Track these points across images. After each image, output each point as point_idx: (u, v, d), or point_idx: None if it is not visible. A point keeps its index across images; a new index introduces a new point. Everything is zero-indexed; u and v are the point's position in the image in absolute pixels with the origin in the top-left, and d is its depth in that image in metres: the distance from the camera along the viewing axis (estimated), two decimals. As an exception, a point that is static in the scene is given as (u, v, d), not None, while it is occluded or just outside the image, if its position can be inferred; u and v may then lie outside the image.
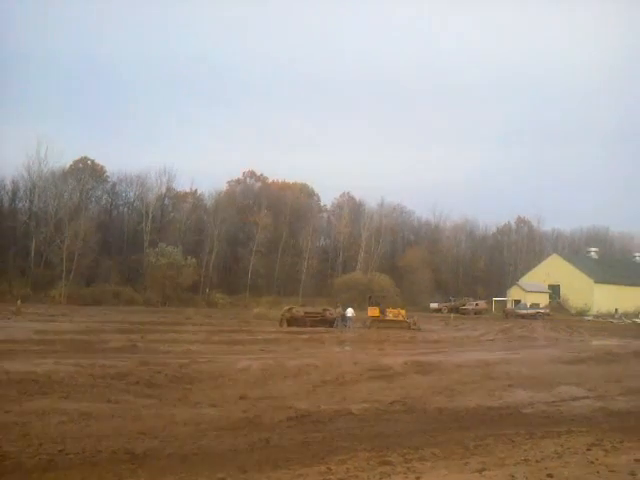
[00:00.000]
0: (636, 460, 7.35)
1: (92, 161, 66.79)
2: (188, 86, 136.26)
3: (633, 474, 6.66)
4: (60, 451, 7.47)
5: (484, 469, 6.96)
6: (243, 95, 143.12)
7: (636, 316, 59.19)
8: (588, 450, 8.08)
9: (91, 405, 10.26)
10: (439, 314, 56.97)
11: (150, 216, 65.15)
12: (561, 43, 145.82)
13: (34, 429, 8.40)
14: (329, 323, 35.33)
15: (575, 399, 13.39)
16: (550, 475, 6.60)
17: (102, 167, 67.88)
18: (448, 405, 12.14)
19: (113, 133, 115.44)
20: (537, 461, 7.42)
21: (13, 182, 61.34)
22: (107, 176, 68.70)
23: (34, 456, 7.19)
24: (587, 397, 13.70)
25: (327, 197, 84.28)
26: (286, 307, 38.28)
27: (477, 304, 61.63)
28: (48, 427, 8.61)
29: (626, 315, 60.60)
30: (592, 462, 7.30)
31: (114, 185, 69.45)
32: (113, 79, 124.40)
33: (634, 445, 8.46)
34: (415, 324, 35.99)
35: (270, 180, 78.51)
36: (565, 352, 22.92)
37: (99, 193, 69.73)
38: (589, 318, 60.45)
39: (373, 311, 37.79)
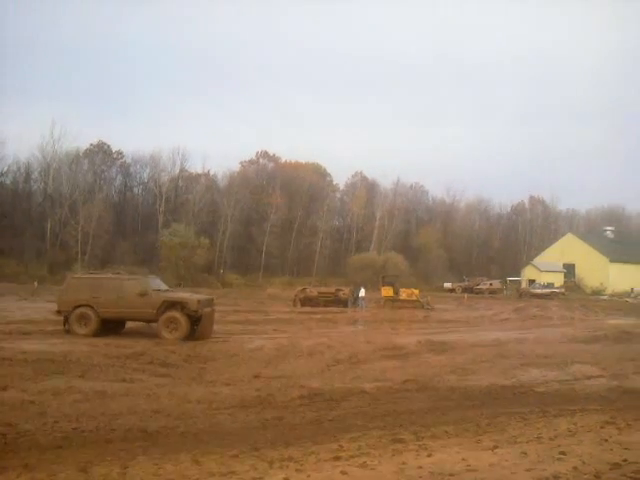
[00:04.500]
0: (649, 437, 7.30)
1: (107, 145, 66.89)
2: (202, 67, 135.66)
3: (647, 451, 6.62)
4: (74, 429, 7.58)
5: (496, 447, 6.93)
6: (256, 75, 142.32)
7: (652, 295, 58.74)
8: (601, 428, 8.02)
9: (106, 384, 10.41)
10: (453, 294, 56.85)
11: (164, 197, 65.42)
12: (575, 22, 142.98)
13: (50, 407, 8.54)
14: (343, 303, 35.38)
15: (589, 378, 13.33)
16: (563, 453, 6.55)
17: (117, 150, 68.08)
18: (461, 384, 12.14)
19: (128, 115, 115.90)
20: (550, 439, 7.38)
21: (28, 164, 61.82)
22: (121, 157, 68.86)
23: (49, 434, 7.31)
24: (601, 376, 13.63)
25: (340, 177, 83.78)
26: (300, 287, 38.42)
27: (491, 284, 61.38)
28: (63, 405, 8.74)
29: (642, 294, 60.13)
30: (605, 440, 7.23)
31: (128, 166, 69.67)
32: (129, 60, 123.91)
33: (647, 423, 8.40)
34: (428, 304, 36.00)
35: (283, 160, 78.30)
36: (580, 331, 22.81)
37: (113, 174, 70.04)
38: (604, 297, 59.99)
39: (387, 291, 37.81)
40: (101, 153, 66.15)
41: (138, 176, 71.29)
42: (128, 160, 69.09)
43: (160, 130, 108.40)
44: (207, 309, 17.27)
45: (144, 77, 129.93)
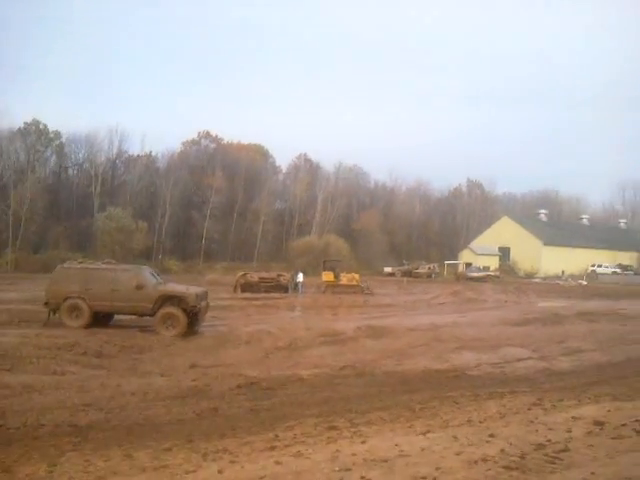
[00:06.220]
0: (573, 418, 7.62)
1: (44, 125, 63.96)
2: (143, 42, 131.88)
3: (569, 431, 6.91)
4: (0, 426, 7.31)
5: (428, 431, 7.11)
6: (201, 53, 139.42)
7: (582, 277, 61.15)
8: (529, 410, 8.34)
9: (35, 377, 10.12)
10: (393, 278, 57.67)
11: (100, 179, 63.04)
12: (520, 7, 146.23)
13: (-27, 405, 8.21)
14: (284, 289, 35.39)
15: (519, 360, 13.83)
16: (492, 435, 6.78)
17: (54, 130, 65.15)
18: (397, 369, 12.39)
19: (64, 93, 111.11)
20: (480, 422, 7.62)
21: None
22: (58, 138, 66.07)
23: (-28, 432, 7.04)
24: (531, 358, 14.18)
25: (283, 159, 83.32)
26: (240, 273, 38.15)
27: (429, 267, 62.60)
28: (-12, 402, 8.42)
29: (572, 277, 62.51)
30: (532, 421, 7.53)
31: (63, 146, 66.79)
32: (67, 36, 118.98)
33: (572, 403, 8.78)
34: (368, 288, 36.43)
35: (225, 141, 76.92)
36: (512, 314, 23.59)
37: (48, 155, 67.08)
38: (537, 280, 62.18)
39: (328, 276, 38.04)
40: (36, 132, 63.26)
41: (73, 157, 68.29)
42: (64, 140, 66.40)
43: (98, 109, 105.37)
44: (203, 303, 16.81)
45: (86, 54, 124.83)
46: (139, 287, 15.89)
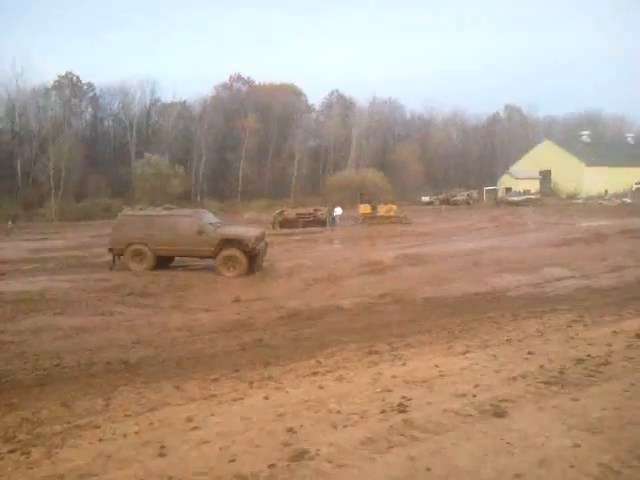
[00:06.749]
0: (613, 332, 7.59)
1: (77, 77, 64.37)
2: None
3: (609, 345, 6.90)
4: (56, 365, 7.67)
5: (467, 351, 7.19)
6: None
7: (625, 196, 59.51)
8: (569, 327, 8.33)
9: (85, 319, 10.45)
10: (431, 207, 57.18)
11: (135, 127, 63.87)
12: None
13: (30, 346, 8.59)
14: (321, 223, 35.51)
15: (560, 279, 13.72)
16: (531, 352, 6.82)
17: (87, 82, 65.59)
18: (436, 294, 12.44)
19: (97, 45, 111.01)
20: (519, 340, 7.65)
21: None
22: (91, 90, 66.58)
23: (31, 372, 7.39)
24: (572, 277, 14.05)
25: (316, 97, 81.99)
26: (278, 210, 38.36)
27: (468, 194, 61.70)
28: (43, 343, 8.81)
29: (616, 196, 60.88)
30: (572, 337, 7.53)
31: (97, 98, 67.46)
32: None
33: (613, 319, 8.73)
34: (406, 218, 36.28)
35: (257, 83, 76.19)
36: (553, 235, 23.24)
37: (83, 107, 67.83)
38: (579, 201, 60.80)
39: (364, 208, 38.04)
40: (70, 86, 63.68)
41: (108, 108, 69.19)
42: (97, 92, 66.93)
43: (130, 59, 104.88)
44: (261, 244, 17.17)
45: (114, 6, 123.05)
46: (200, 232, 16.21)
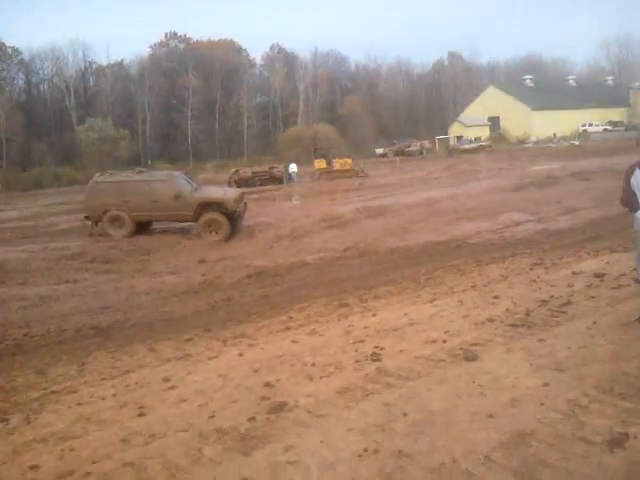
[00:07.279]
0: (573, 273, 7.88)
1: (1, 42, 61.16)
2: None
3: (570, 285, 7.17)
4: (25, 335, 7.58)
5: (435, 299, 7.39)
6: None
7: (573, 138, 60.81)
8: (530, 270, 8.61)
9: (50, 288, 10.29)
10: (385, 159, 57.27)
11: (72, 91, 61.45)
12: None
13: (-4, 318, 8.43)
14: (278, 180, 35.27)
15: (518, 224, 14.08)
16: (496, 297, 7.04)
17: (11, 46, 62.41)
18: (399, 245, 12.62)
19: (21, 8, 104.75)
20: (484, 285, 7.89)
21: None
22: (17, 54, 63.43)
23: (0, 343, 7.28)
24: (529, 221, 14.41)
25: (257, 51, 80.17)
26: (233, 169, 37.87)
27: (421, 144, 61.96)
28: (10, 314, 8.67)
29: (564, 138, 62.14)
30: (534, 280, 7.78)
31: (27, 63, 64.44)
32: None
33: (571, 260, 9.06)
34: (362, 171, 36.32)
35: (195, 40, 74.14)
36: (507, 181, 23.64)
37: (13, 73, 64.75)
38: (529, 145, 61.82)
39: (320, 163, 37.85)
40: (-4, 51, 60.55)
41: (41, 72, 66.34)
42: (26, 56, 63.91)
43: (55, 20, 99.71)
44: (241, 205, 16.85)
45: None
46: (177, 196, 15.78)
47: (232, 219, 15.84)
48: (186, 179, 17.76)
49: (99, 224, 16.41)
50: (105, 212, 16.15)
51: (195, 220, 15.90)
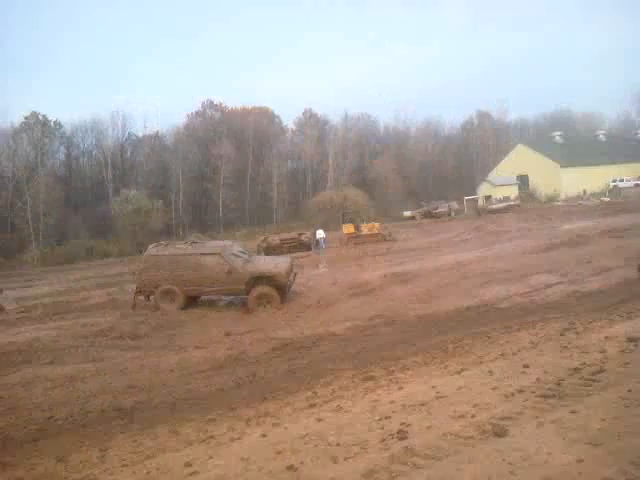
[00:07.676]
0: (606, 337, 7.63)
1: (43, 116, 64.09)
2: (135, 20, 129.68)
3: (603, 351, 6.93)
4: (49, 418, 7.53)
5: (463, 369, 7.18)
6: (192, 25, 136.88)
7: (604, 194, 60.20)
8: (561, 335, 8.35)
9: (76, 367, 10.30)
10: (413, 221, 57.37)
11: (110, 163, 63.62)
12: None
13: (21, 400, 8.45)
14: (306, 247, 35.44)
15: (548, 286, 13.78)
16: (526, 365, 6.83)
17: (54, 120, 65.21)
18: (427, 311, 12.44)
19: (62, 83, 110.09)
20: (513, 354, 7.66)
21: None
22: (59, 127, 66.21)
23: (23, 427, 7.25)
24: (560, 282, 14.11)
25: (289, 118, 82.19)
26: (261, 237, 38.29)
27: (449, 205, 62.00)
28: (34, 396, 8.64)
29: (594, 195, 61.53)
30: (565, 346, 7.54)
31: (70, 137, 67.12)
32: (55, 24, 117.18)
33: (604, 323, 8.77)
34: (390, 235, 36.37)
35: (229, 108, 76.44)
36: (537, 241, 23.35)
37: (55, 147, 67.31)
38: (559, 203, 61.35)
39: (348, 228, 38.08)
40: (38, 125, 63.30)
41: (82, 145, 68.84)
42: (68, 130, 66.58)
43: (97, 96, 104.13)
44: (291, 277, 16.77)
45: (78, 40, 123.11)
46: (229, 272, 15.75)
47: (283, 291, 15.74)
48: (239, 249, 17.76)
49: (151, 298, 16.46)
50: (157, 286, 16.21)
51: (247, 294, 15.75)
